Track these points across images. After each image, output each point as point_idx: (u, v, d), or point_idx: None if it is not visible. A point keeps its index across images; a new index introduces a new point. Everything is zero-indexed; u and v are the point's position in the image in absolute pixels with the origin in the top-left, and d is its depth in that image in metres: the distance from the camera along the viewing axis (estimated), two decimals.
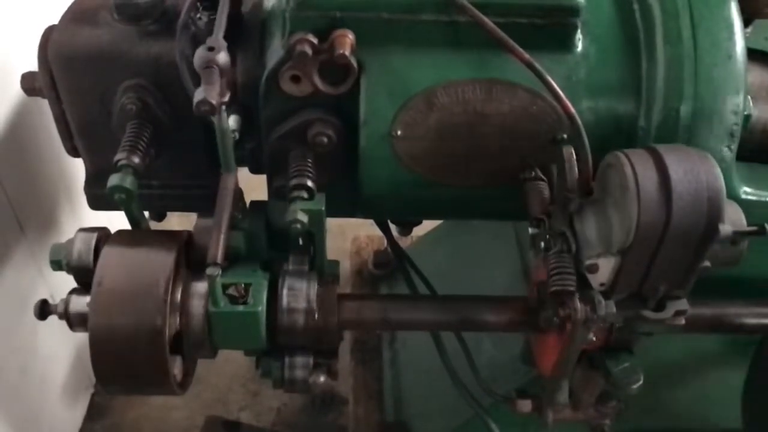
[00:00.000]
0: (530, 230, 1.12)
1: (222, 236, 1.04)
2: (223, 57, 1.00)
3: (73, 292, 1.17)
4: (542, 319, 1.16)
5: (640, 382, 1.19)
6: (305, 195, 1.10)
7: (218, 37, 1.03)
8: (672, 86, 1.13)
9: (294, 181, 1.11)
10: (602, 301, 1.04)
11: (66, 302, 1.16)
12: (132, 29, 1.19)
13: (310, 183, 1.11)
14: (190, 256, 1.19)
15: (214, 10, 1.16)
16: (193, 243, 1.20)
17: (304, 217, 1.08)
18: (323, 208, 1.10)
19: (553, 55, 1.12)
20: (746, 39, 1.16)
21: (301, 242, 1.20)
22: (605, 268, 1.03)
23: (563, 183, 1.06)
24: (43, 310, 1.17)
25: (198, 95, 0.97)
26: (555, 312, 1.08)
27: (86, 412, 2.17)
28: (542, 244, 1.09)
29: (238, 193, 1.16)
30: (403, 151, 1.15)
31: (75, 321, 1.15)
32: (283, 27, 1.11)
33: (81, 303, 1.14)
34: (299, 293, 1.18)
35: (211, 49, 1.00)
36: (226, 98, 1.02)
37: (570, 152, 1.05)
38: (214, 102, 0.96)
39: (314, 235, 1.16)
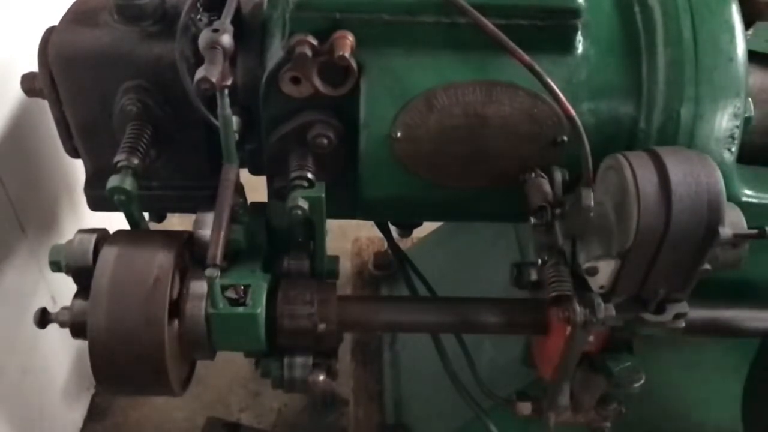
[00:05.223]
0: (532, 220, 1.11)
1: (222, 234, 1.04)
2: (227, 39, 1.00)
3: (75, 299, 1.17)
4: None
5: (642, 381, 1.19)
6: (305, 184, 1.11)
7: (225, 20, 1.03)
8: (673, 88, 1.13)
9: (295, 174, 1.11)
10: (602, 303, 1.03)
11: (69, 313, 1.15)
12: (132, 30, 1.19)
13: (310, 175, 1.11)
14: (190, 256, 1.18)
15: (214, 11, 1.17)
16: (193, 240, 1.19)
17: (304, 204, 1.08)
18: (323, 195, 1.10)
19: (554, 57, 1.12)
20: (747, 41, 1.16)
21: (300, 239, 1.20)
22: (605, 271, 1.03)
23: (576, 219, 1.05)
24: (43, 318, 1.17)
25: (199, 73, 0.97)
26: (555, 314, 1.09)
27: (87, 412, 2.17)
28: (540, 260, 1.09)
29: (239, 187, 1.16)
30: (403, 153, 1.15)
31: (77, 333, 1.15)
32: (283, 28, 1.11)
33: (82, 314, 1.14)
34: (299, 295, 1.18)
35: (216, 30, 1.00)
36: (229, 82, 1.02)
37: (588, 194, 1.02)
38: (214, 80, 0.96)
39: (314, 227, 1.16)
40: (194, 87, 0.98)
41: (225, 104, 1.03)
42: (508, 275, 1.23)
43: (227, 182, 1.10)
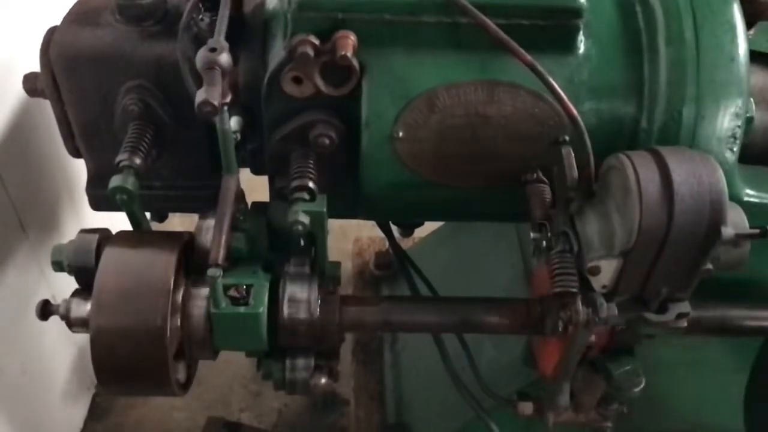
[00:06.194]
0: (532, 235, 1.11)
1: (223, 237, 1.04)
2: (225, 58, 1.00)
3: (75, 294, 1.17)
4: (548, 326, 1.15)
5: (642, 386, 1.19)
6: (306, 196, 1.11)
7: (220, 38, 1.03)
8: (674, 88, 1.13)
9: (295, 183, 1.11)
10: (604, 303, 1.03)
11: (68, 306, 1.16)
12: (134, 30, 1.19)
13: (311, 184, 1.11)
14: (191, 258, 1.19)
15: (215, 11, 1.16)
16: (194, 244, 1.20)
17: (305, 219, 1.08)
18: (324, 210, 1.10)
19: (556, 56, 1.12)
20: (749, 41, 1.16)
21: (302, 243, 1.20)
22: (607, 270, 1.03)
23: (563, 182, 1.05)
24: (45, 310, 1.17)
25: (200, 96, 0.97)
26: (557, 314, 1.08)
27: (87, 412, 2.17)
28: (544, 243, 1.09)
29: (240, 195, 1.17)
30: (404, 153, 1.15)
31: (75, 323, 1.15)
32: (285, 28, 1.11)
33: (82, 309, 1.14)
34: (300, 295, 1.17)
35: (213, 50, 1.00)
36: (228, 99, 1.02)
37: (568, 151, 1.05)
38: (215, 103, 0.96)
39: (315, 237, 1.16)
40: (196, 110, 0.98)
41: (225, 119, 1.03)
42: (510, 274, 1.23)
43: (227, 191, 1.10)
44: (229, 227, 1.06)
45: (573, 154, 1.05)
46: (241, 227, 1.20)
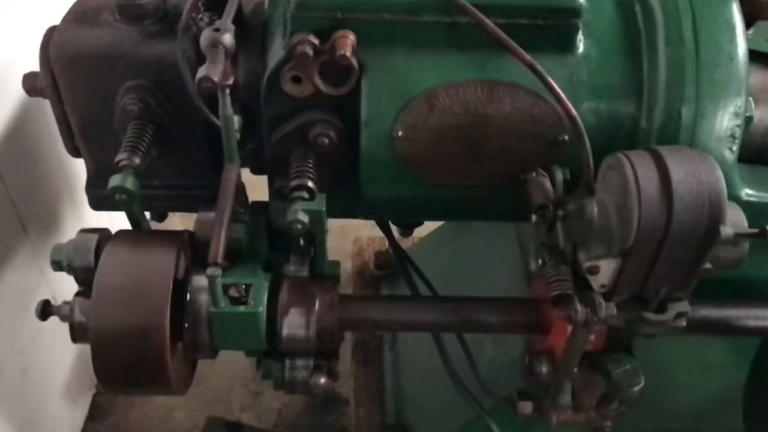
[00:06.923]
0: (533, 218, 1.11)
1: (223, 233, 1.04)
2: (228, 38, 1.00)
3: (77, 296, 1.17)
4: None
5: (641, 385, 1.19)
6: (306, 195, 1.11)
7: (227, 20, 1.03)
8: (673, 88, 1.13)
9: (295, 182, 1.11)
10: (603, 302, 1.03)
11: (71, 308, 1.16)
12: (134, 30, 1.19)
13: (310, 183, 1.11)
14: (193, 251, 1.19)
15: (215, 11, 1.17)
16: (194, 241, 1.19)
17: (304, 218, 1.08)
18: (324, 209, 1.10)
19: (555, 56, 1.12)
20: (748, 40, 1.16)
21: (302, 243, 1.20)
22: (606, 270, 1.03)
23: (585, 227, 1.05)
24: (45, 310, 1.17)
25: (200, 72, 0.97)
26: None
27: (88, 412, 2.17)
28: (540, 261, 1.09)
29: (241, 187, 1.16)
30: (404, 152, 1.15)
31: (78, 327, 1.15)
32: (284, 28, 1.11)
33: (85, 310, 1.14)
34: (300, 294, 1.17)
35: (217, 30, 1.00)
36: (231, 81, 1.02)
37: (592, 203, 1.04)
38: (216, 79, 0.96)
39: (315, 236, 1.16)
40: (196, 86, 0.98)
41: (227, 103, 1.03)
42: (510, 274, 1.23)
43: (228, 182, 1.10)
44: (229, 221, 1.06)
45: (596, 206, 1.04)
46: (242, 219, 1.20)
